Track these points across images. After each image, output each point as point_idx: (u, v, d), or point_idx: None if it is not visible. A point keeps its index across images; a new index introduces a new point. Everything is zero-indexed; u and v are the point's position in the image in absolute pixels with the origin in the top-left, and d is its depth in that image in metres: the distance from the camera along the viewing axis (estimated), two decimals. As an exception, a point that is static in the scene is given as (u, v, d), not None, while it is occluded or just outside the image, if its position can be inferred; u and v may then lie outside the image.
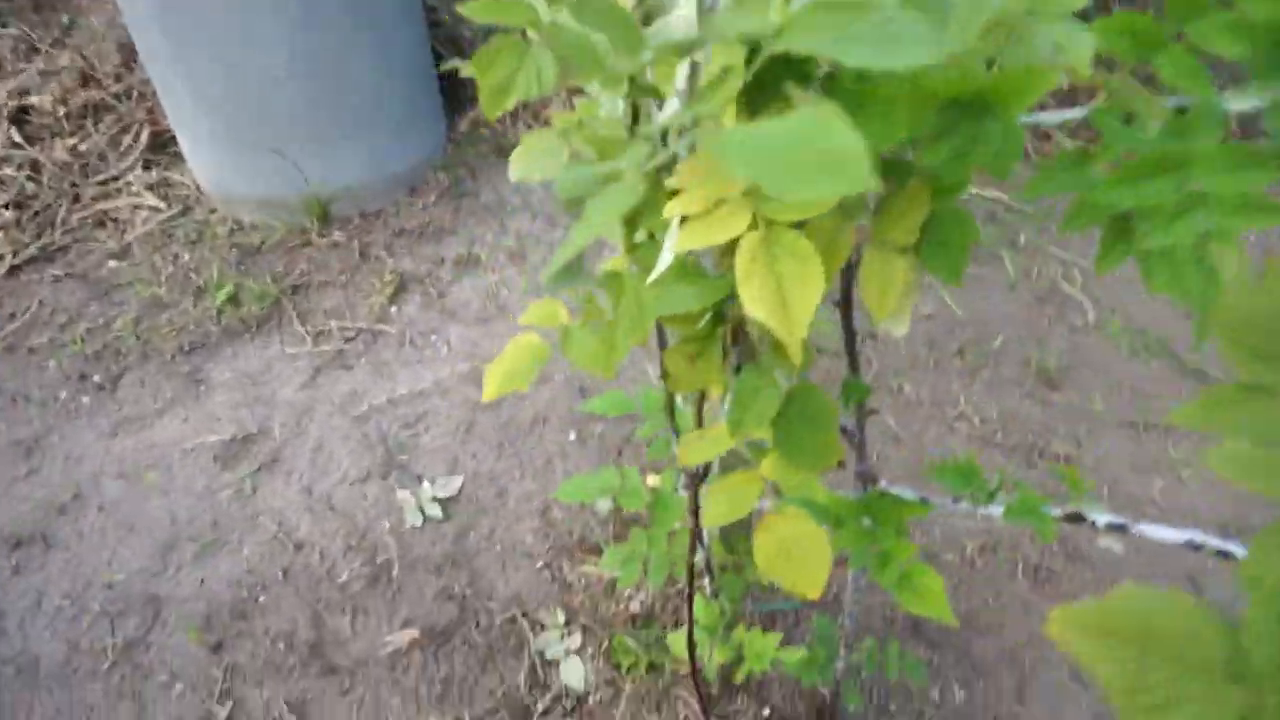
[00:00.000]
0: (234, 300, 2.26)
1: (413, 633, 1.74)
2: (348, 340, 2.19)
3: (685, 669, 1.67)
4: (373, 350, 2.18)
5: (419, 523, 1.89)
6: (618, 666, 1.67)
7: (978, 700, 1.66)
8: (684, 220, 0.51)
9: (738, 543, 1.23)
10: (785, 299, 0.48)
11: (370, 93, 2.31)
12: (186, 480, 1.94)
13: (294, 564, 1.82)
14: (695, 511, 0.99)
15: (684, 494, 1.09)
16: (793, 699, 1.63)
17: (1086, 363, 2.28)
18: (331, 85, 2.22)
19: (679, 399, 1.06)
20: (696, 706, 1.63)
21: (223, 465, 1.97)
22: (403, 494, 1.93)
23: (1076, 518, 0.72)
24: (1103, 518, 0.73)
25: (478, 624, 1.75)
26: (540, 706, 1.62)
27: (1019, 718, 1.64)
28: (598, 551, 1.85)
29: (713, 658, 1.62)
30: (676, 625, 1.74)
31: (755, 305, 0.48)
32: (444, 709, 1.63)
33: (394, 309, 2.26)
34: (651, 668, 1.67)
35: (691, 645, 1.13)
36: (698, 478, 1.09)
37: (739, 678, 1.14)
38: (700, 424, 0.91)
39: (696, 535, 1.20)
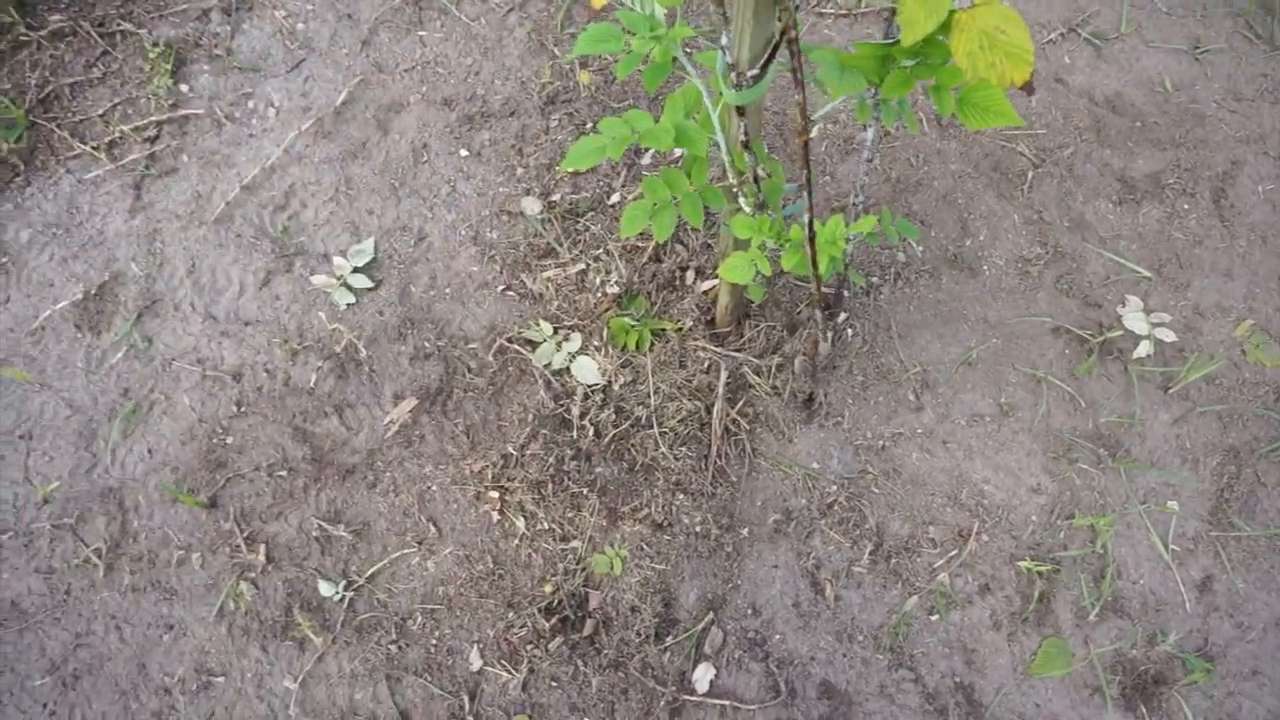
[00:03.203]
0: (-36, 150, 1.76)
1: (410, 402, 1.64)
2: (152, 140, 1.79)
3: (684, 324, 1.70)
4: (189, 141, 1.81)
5: (352, 300, 1.70)
6: (624, 348, 1.68)
7: (932, 246, 1.81)
8: None
9: (759, 150, 1.19)
10: None
11: None
12: (59, 361, 1.62)
13: (244, 393, 1.62)
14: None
15: (732, 92, 1.01)
16: (791, 310, 1.71)
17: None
18: None
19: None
20: (715, 348, 1.68)
21: (91, 330, 1.65)
22: (319, 279, 1.71)
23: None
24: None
25: (469, 368, 1.67)
26: (576, 410, 1.61)
27: (967, 246, 1.82)
28: (552, 254, 1.76)
29: (721, 300, 1.65)
30: (658, 290, 1.74)
31: None
32: (481, 453, 1.60)
33: (184, 87, 1.84)
34: (656, 334, 1.69)
35: (814, 252, 1.12)
36: (758, 72, 1.01)
37: (824, 269, 1.16)
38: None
39: (745, 142, 1.14)
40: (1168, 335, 1.69)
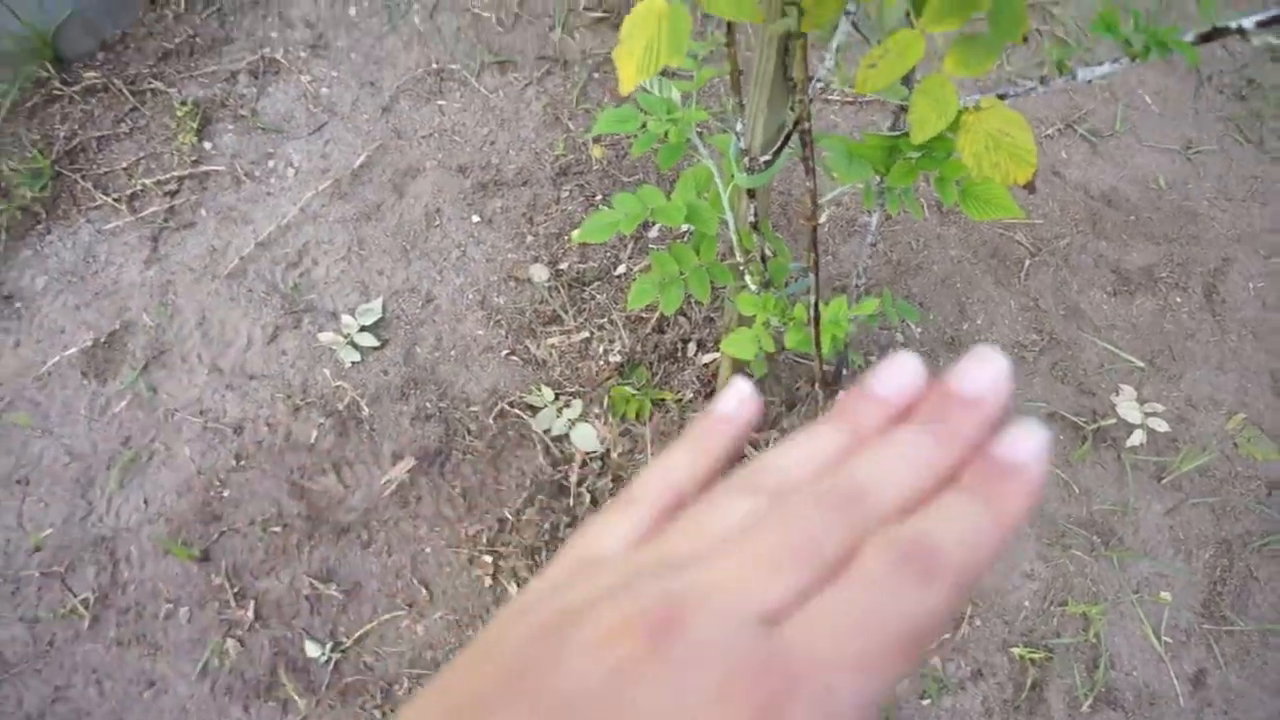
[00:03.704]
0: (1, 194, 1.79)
1: (408, 463, 1.64)
2: (172, 195, 1.82)
3: (685, 395, 1.71)
4: (208, 197, 1.84)
5: (357, 358, 1.72)
6: (623, 416, 1.68)
7: (930, 328, 1.84)
8: None
9: (767, 231, 1.22)
10: None
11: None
12: (63, 407, 1.63)
13: (244, 447, 1.62)
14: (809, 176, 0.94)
15: (744, 175, 1.04)
16: (790, 386, 1.73)
17: None
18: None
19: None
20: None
21: (98, 377, 1.66)
22: (326, 336, 1.73)
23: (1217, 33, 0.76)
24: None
25: (469, 430, 1.67)
26: (574, 477, 1.61)
27: (964, 330, 1.85)
28: (557, 320, 1.78)
29: (722, 373, 1.67)
30: (659, 361, 1.76)
31: None
32: (477, 516, 1.59)
33: (208, 145, 1.89)
34: (656, 404, 1.70)
35: (817, 333, 1.14)
36: (769, 158, 1.04)
37: (826, 349, 1.18)
38: (803, 77, 0.85)
39: (754, 223, 1.17)
40: (1160, 425, 1.71)
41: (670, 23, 0.66)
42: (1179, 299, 1.87)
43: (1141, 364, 1.79)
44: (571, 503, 1.59)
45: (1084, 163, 2.02)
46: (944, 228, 1.93)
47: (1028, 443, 0.26)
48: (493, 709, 0.20)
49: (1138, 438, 1.70)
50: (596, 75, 2.06)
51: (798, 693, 0.20)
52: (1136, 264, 1.91)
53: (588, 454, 1.65)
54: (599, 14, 2.13)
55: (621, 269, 1.83)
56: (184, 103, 1.91)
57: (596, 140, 1.99)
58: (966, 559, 0.23)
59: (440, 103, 2.00)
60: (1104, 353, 1.80)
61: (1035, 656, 1.53)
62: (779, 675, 0.20)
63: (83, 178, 1.82)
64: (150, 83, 1.93)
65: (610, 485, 1.60)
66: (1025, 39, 0.67)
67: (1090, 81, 0.82)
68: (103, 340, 1.68)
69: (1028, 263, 1.89)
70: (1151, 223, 1.96)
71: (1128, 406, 1.73)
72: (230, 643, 1.48)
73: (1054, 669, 1.53)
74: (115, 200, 1.81)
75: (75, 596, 1.48)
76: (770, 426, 1.66)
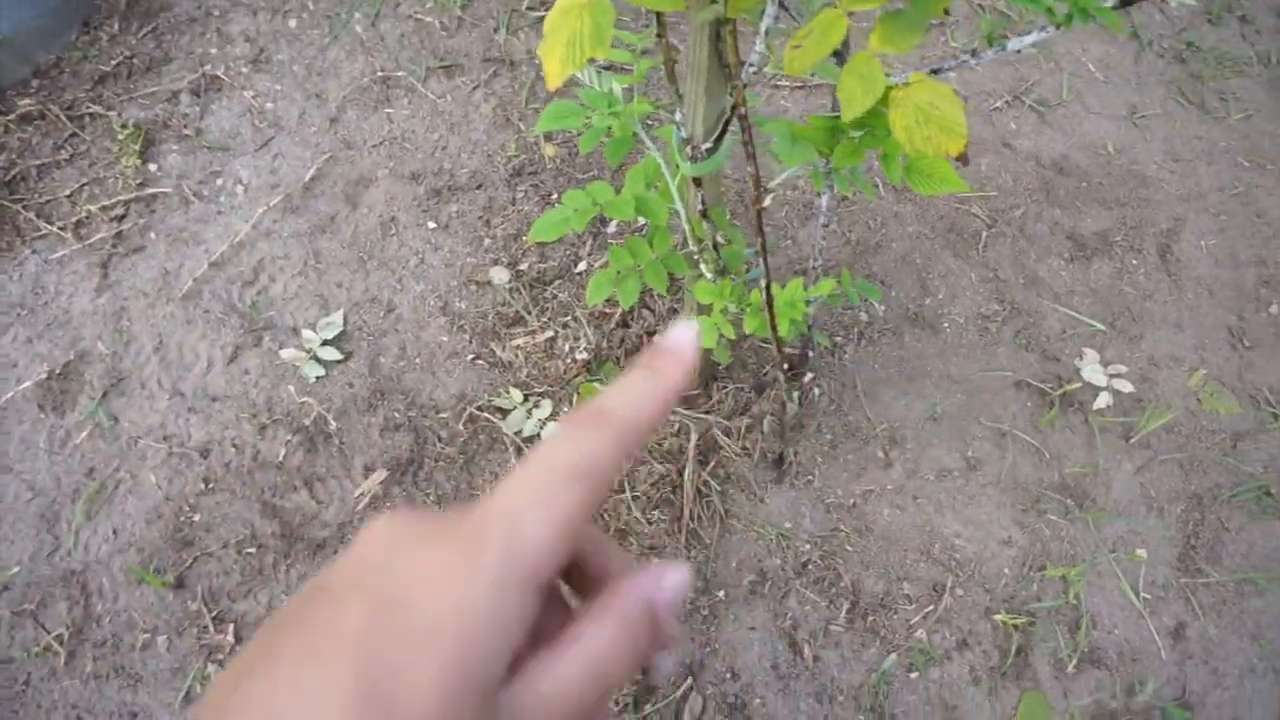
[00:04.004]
0: (-71, 234, 1.76)
1: (380, 474, 1.64)
2: (119, 219, 1.81)
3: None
4: (157, 219, 1.82)
5: (321, 372, 1.71)
6: (594, 413, 1.69)
7: (893, 305, 1.86)
8: None
9: (719, 218, 1.23)
10: None
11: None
12: (22, 443, 1.61)
13: (211, 469, 1.61)
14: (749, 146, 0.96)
15: (688, 164, 1.05)
16: (759, 371, 1.74)
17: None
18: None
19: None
20: (684, 410, 1.70)
21: (55, 410, 1.64)
22: (287, 352, 1.72)
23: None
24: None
25: (439, 438, 1.67)
26: (547, 477, 1.62)
27: (927, 305, 1.87)
28: (520, 322, 1.78)
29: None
30: (626, 355, 1.77)
31: None
32: (453, 524, 1.59)
33: (152, 166, 1.87)
34: (626, 399, 1.70)
35: (772, 316, 1.15)
36: (711, 145, 1.05)
37: (784, 331, 1.19)
38: (735, 62, 0.86)
39: (701, 209, 1.18)
40: (1125, 386, 1.74)
41: (592, 15, 0.67)
42: (1135, 261, 1.91)
43: (1102, 327, 1.82)
44: (546, 503, 1.59)
45: (1033, 133, 2.05)
46: (900, 205, 1.95)
47: (682, 330, 0.36)
48: (271, 643, 0.28)
49: (1104, 400, 1.73)
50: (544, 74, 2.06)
51: (493, 525, 0.29)
52: (1091, 229, 1.94)
53: (560, 453, 1.65)
54: (542, 13, 2.13)
55: (582, 265, 1.84)
56: (125, 125, 1.89)
57: (548, 139, 1.99)
58: (629, 410, 0.33)
59: (388, 110, 2.00)
60: (1065, 318, 1.83)
61: (1018, 622, 1.55)
62: (480, 519, 0.29)
63: (24, 208, 1.80)
64: (89, 107, 1.91)
65: (584, 483, 1.61)
66: (947, 12, 0.68)
67: (1020, 50, 0.84)
68: (58, 372, 1.66)
69: (985, 235, 1.92)
70: (1103, 188, 1.99)
71: (1092, 370, 1.76)
72: (212, 668, 1.47)
73: (1037, 633, 1.56)
74: (60, 228, 1.78)
75: (49, 633, 1.47)
76: (741, 412, 1.67)
